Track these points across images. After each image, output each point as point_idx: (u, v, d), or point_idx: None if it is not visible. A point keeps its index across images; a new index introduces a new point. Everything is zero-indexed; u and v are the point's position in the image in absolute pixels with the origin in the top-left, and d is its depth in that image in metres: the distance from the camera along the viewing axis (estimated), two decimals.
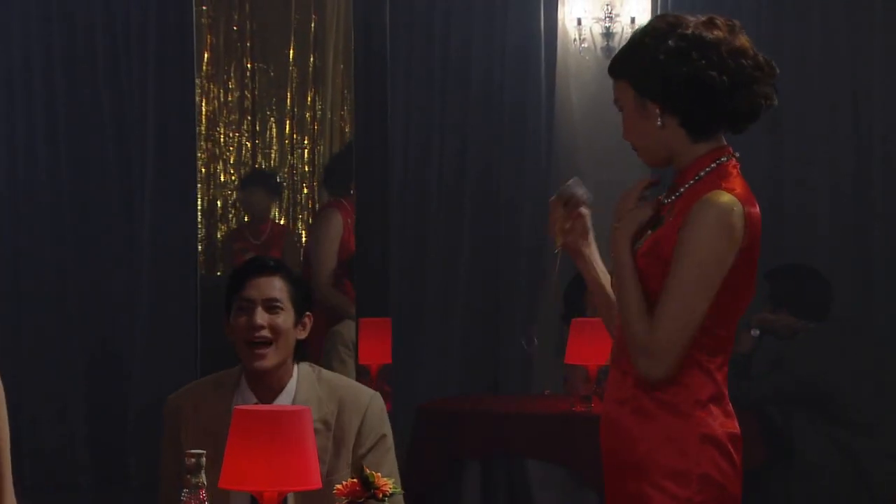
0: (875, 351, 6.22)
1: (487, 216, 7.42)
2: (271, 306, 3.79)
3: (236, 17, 7.17)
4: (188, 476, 3.01)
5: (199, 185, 7.17)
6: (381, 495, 3.27)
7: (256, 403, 3.78)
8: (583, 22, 7.38)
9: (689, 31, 2.97)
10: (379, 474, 3.31)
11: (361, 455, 3.78)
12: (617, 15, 7.37)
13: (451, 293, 7.42)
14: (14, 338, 7.40)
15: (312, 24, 7.13)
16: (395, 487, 3.33)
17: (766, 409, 6.18)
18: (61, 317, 7.27)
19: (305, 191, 7.36)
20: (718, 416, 2.99)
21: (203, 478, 3.01)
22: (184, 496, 2.99)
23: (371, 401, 3.85)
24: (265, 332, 3.77)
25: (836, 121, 7.02)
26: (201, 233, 7.19)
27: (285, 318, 3.80)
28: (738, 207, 2.92)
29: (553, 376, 7.02)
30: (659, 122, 3.00)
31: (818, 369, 6.02)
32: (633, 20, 7.31)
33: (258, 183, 7.30)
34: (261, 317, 3.77)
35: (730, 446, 2.99)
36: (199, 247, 7.19)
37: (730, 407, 3.04)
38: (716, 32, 2.97)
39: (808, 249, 6.81)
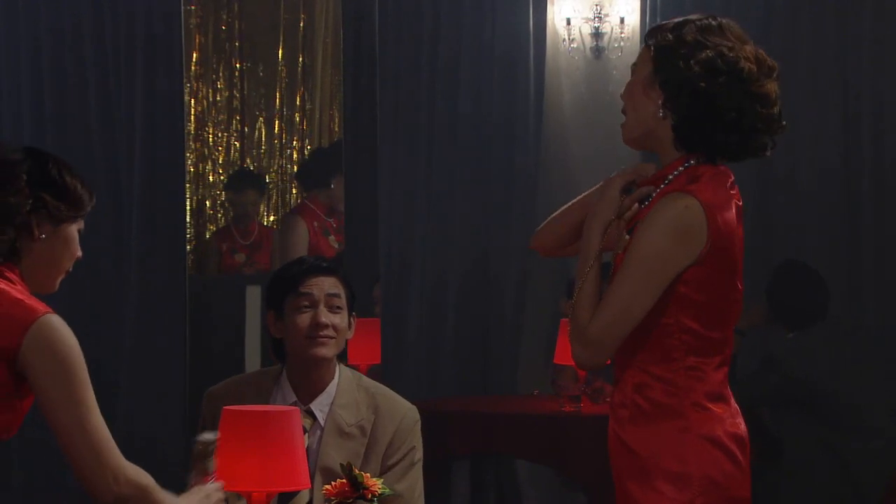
0: (864, 351, 6.22)
1: (476, 216, 7.40)
2: (333, 305, 3.85)
3: (225, 16, 7.16)
4: (197, 462, 3.02)
5: (187, 185, 7.16)
6: (370, 496, 3.28)
7: (294, 402, 3.81)
8: (572, 22, 7.37)
9: (731, 54, 2.94)
10: (368, 475, 3.33)
11: (390, 465, 3.80)
12: (606, 15, 7.35)
13: (440, 292, 7.41)
14: None
15: (301, 24, 7.13)
16: (384, 488, 3.34)
17: (754, 409, 6.17)
18: None
19: (294, 191, 7.36)
20: (720, 416, 2.98)
21: (211, 464, 3.02)
22: (192, 479, 3.03)
23: (407, 413, 3.88)
24: (329, 332, 3.82)
25: (826, 120, 7.02)
26: (190, 233, 7.18)
27: (342, 318, 3.86)
28: (695, 209, 2.91)
29: (542, 377, 7.01)
30: (661, 113, 2.98)
31: (807, 370, 6.01)
32: (622, 20, 7.30)
33: (248, 183, 7.30)
34: (326, 316, 3.81)
35: (733, 447, 2.97)
36: (188, 247, 7.18)
37: (733, 407, 3.02)
38: (750, 67, 2.95)
39: (798, 250, 6.80)
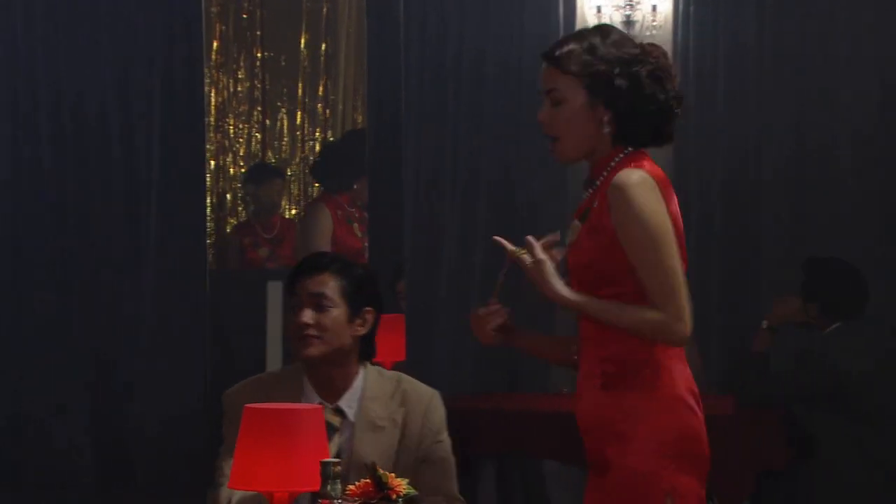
0: None
1: (503, 208, 7.35)
2: (318, 304, 3.88)
3: (246, 4, 7.14)
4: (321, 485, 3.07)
5: (208, 178, 7.10)
6: (394, 496, 3.26)
7: (320, 402, 3.85)
8: (603, 10, 7.34)
9: (637, 52, 3.28)
10: (393, 475, 3.31)
11: (423, 449, 3.89)
12: (637, 2, 7.33)
13: (466, 288, 7.34)
14: (15, 330, 7.31)
15: (324, 11, 7.09)
16: (408, 488, 3.31)
17: (789, 407, 6.11)
18: (66, 310, 7.20)
19: (316, 183, 7.30)
20: None
21: (336, 489, 3.09)
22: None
23: (432, 399, 3.99)
24: (311, 331, 3.86)
25: (864, 117, 6.97)
26: (210, 226, 7.14)
27: (336, 315, 3.88)
28: (647, 177, 3.18)
29: (572, 374, 6.90)
30: (606, 129, 3.26)
31: (842, 367, 5.95)
32: (654, 8, 7.28)
33: (271, 174, 7.26)
34: (306, 315, 3.86)
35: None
36: (209, 240, 7.13)
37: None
38: (653, 57, 3.29)
39: (834, 245, 6.73)
